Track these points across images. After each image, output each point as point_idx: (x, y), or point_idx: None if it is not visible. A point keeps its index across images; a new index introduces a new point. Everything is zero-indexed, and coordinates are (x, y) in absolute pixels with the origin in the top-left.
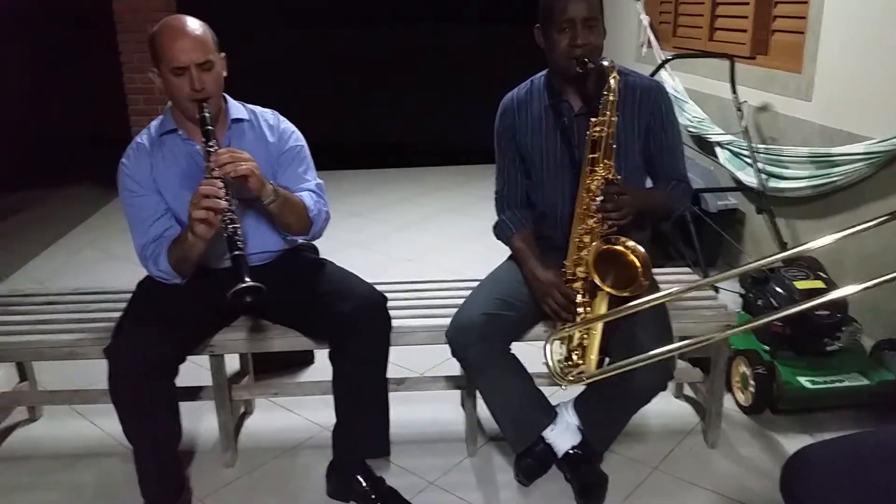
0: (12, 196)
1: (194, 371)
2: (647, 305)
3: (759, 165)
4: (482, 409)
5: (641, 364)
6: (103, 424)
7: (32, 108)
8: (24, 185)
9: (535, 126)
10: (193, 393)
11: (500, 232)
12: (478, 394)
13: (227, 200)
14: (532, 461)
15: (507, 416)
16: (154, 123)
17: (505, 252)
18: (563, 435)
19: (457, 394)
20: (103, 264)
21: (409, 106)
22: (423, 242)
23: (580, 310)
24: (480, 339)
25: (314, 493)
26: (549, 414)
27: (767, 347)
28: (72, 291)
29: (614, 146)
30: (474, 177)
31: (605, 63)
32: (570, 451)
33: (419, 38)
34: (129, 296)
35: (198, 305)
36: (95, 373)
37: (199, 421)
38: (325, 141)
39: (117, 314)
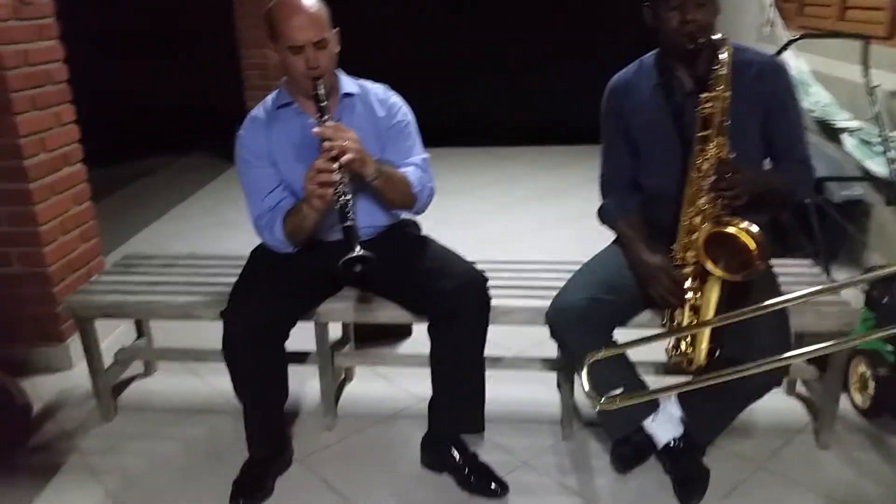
0: (135, 164)
1: (301, 337)
2: (767, 304)
3: (892, 154)
4: (579, 392)
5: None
6: (213, 382)
7: (156, 82)
8: (147, 154)
9: (645, 106)
10: (300, 357)
11: (606, 215)
12: (575, 377)
13: (339, 173)
14: (629, 450)
15: None
16: (270, 97)
17: (608, 236)
18: (665, 426)
19: (553, 376)
20: (216, 230)
21: (514, 83)
22: (523, 223)
23: (689, 295)
24: (581, 324)
25: (409, 461)
26: (651, 403)
27: (891, 347)
28: (188, 255)
29: (727, 123)
30: (576, 157)
31: (716, 37)
32: (671, 443)
33: (529, 14)
34: (241, 262)
35: (307, 275)
36: (207, 333)
37: (303, 384)
38: (430, 117)
39: (230, 279)
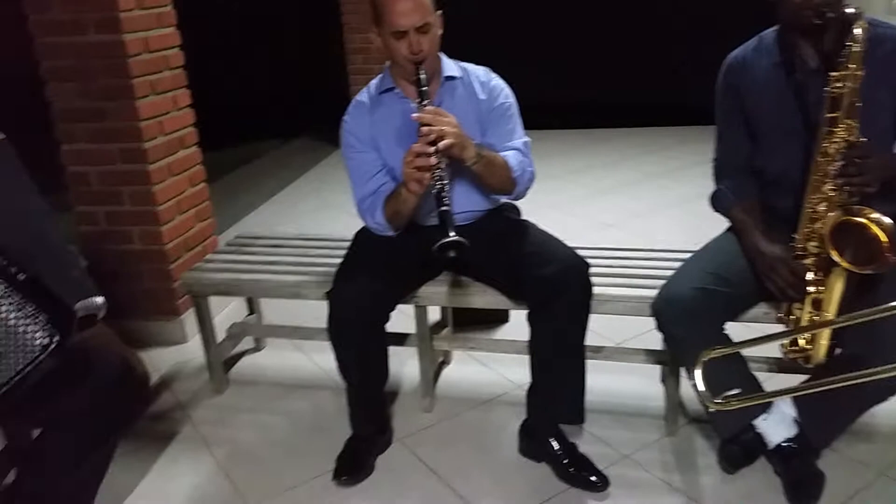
0: (245, 147)
1: (401, 319)
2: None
3: None
4: (685, 387)
5: (889, 368)
6: (318, 359)
7: (266, 67)
8: (256, 138)
9: (765, 85)
10: (399, 339)
11: (719, 202)
12: (681, 371)
13: (436, 158)
14: (739, 449)
15: None
16: (374, 82)
17: (719, 224)
18: (777, 426)
19: (656, 368)
20: (321, 212)
21: (616, 61)
22: (625, 208)
23: (811, 289)
24: (690, 316)
25: (506, 448)
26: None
27: None
28: (296, 237)
29: (858, 105)
30: (680, 139)
31: (850, 10)
32: (783, 444)
33: None
34: (346, 244)
35: (408, 258)
36: (313, 311)
37: (403, 365)
38: (529, 98)
39: (336, 260)
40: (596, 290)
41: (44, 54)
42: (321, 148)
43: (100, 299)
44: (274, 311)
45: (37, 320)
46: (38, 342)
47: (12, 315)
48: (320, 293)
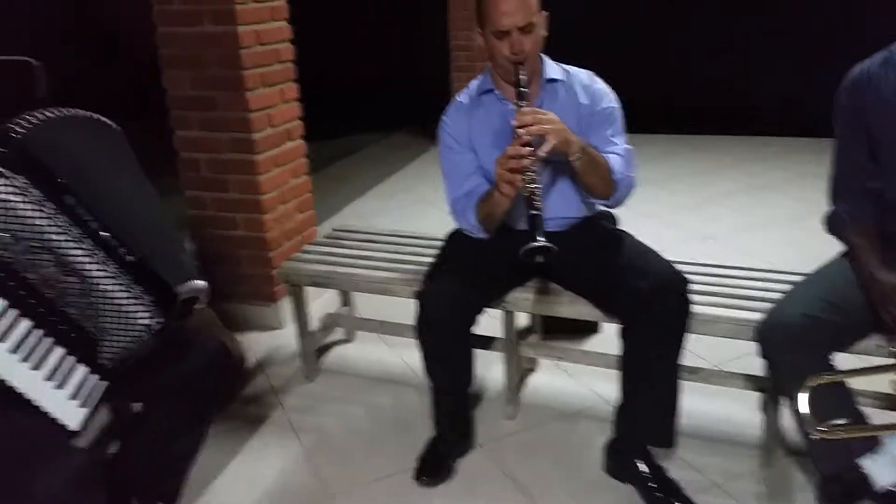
0: (347, 140)
1: (489, 322)
2: None
3: None
4: (785, 417)
5: None
6: (405, 355)
7: (368, 60)
8: (355, 131)
9: (892, 103)
10: (486, 343)
11: (834, 224)
12: (782, 401)
13: (529, 160)
14: (841, 488)
15: None
16: (474, 83)
17: (832, 246)
18: (887, 468)
19: (755, 395)
20: (415, 208)
21: (724, 66)
22: (727, 220)
23: None
24: (797, 345)
25: (590, 465)
26: (871, 439)
27: None
28: (390, 233)
29: None
30: (790, 150)
31: None
32: (894, 489)
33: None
34: (438, 243)
35: (498, 262)
36: (402, 308)
37: (488, 369)
38: (629, 101)
39: (427, 259)
40: (694, 308)
41: (163, 43)
42: (419, 144)
43: (202, 283)
44: (366, 303)
45: (142, 301)
46: (142, 322)
47: (120, 294)
48: (409, 291)
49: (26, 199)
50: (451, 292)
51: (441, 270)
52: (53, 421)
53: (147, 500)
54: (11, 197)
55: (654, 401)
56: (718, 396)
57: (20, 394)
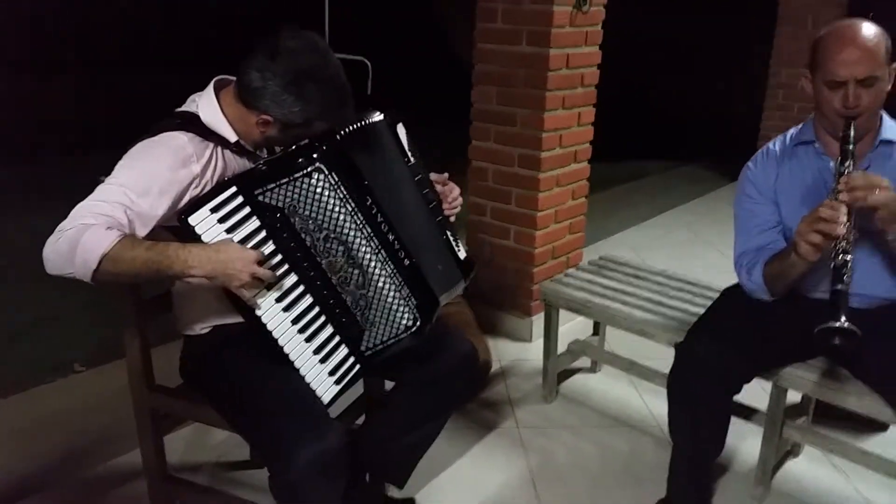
0: (631, 164)
1: (752, 388)
2: None
3: None
4: None
5: None
6: (650, 401)
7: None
8: (644, 155)
9: None
10: (745, 412)
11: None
12: None
13: (844, 227)
14: None
15: None
16: (791, 131)
17: None
18: None
19: None
20: (693, 248)
21: None
22: None
23: None
24: None
25: None
26: None
27: None
28: (659, 272)
29: None
30: None
31: None
32: None
33: None
34: (710, 293)
35: (780, 329)
36: (656, 352)
37: (741, 439)
38: None
39: (693, 308)
40: None
41: (479, 59)
42: (708, 179)
43: (461, 288)
44: (619, 337)
45: (408, 303)
46: (404, 322)
47: (391, 293)
48: (668, 338)
49: (335, 196)
50: (718, 354)
51: (710, 326)
52: (312, 392)
53: (378, 478)
54: (325, 192)
55: None
56: None
57: (291, 361)
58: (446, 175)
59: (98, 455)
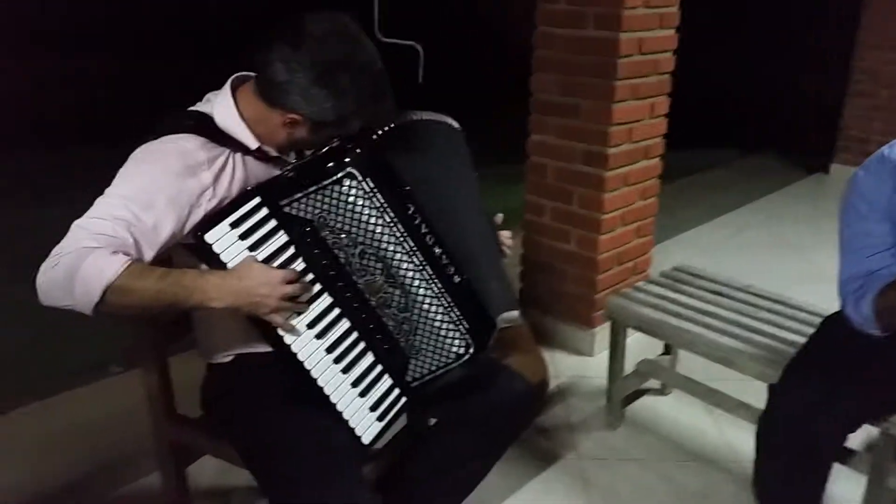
0: (698, 153)
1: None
2: None
3: None
4: None
5: None
6: (729, 434)
7: (745, 64)
8: (713, 144)
9: None
10: (843, 454)
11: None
12: None
13: None
14: None
15: None
16: None
17: None
18: None
19: None
20: (772, 252)
21: None
22: None
23: None
24: None
25: None
26: None
27: None
28: (743, 288)
29: None
30: None
31: None
32: None
33: None
34: (804, 315)
35: (892, 370)
36: (742, 383)
37: (834, 483)
38: None
39: (790, 335)
40: None
41: (539, 43)
42: (787, 171)
43: (517, 314)
44: (692, 357)
45: (458, 327)
46: (454, 350)
47: (438, 316)
48: (760, 371)
49: (370, 206)
50: (821, 399)
51: (811, 363)
52: (351, 431)
53: None
54: (359, 200)
55: None
56: None
57: (326, 396)
58: (501, 216)
59: (126, 474)
